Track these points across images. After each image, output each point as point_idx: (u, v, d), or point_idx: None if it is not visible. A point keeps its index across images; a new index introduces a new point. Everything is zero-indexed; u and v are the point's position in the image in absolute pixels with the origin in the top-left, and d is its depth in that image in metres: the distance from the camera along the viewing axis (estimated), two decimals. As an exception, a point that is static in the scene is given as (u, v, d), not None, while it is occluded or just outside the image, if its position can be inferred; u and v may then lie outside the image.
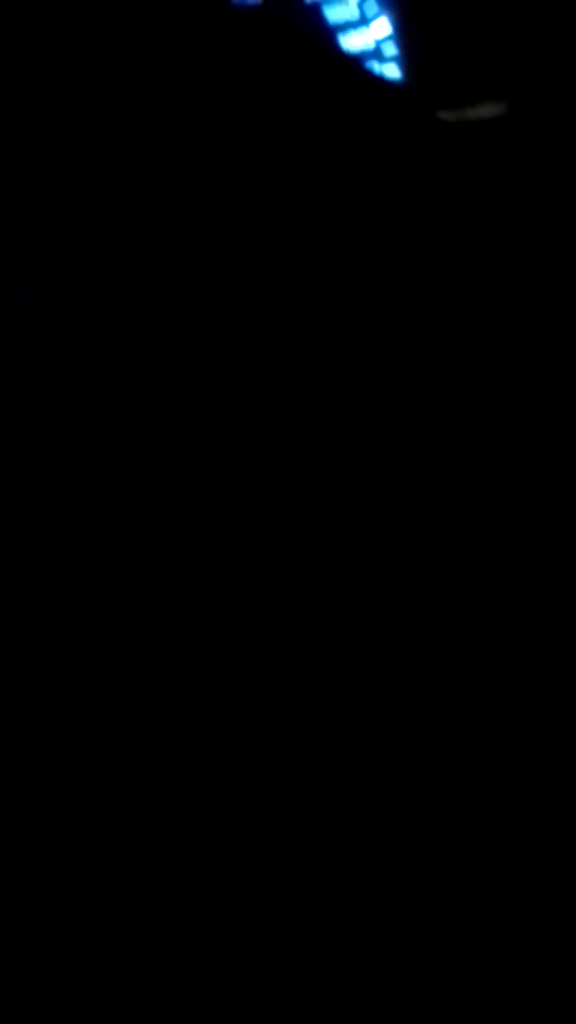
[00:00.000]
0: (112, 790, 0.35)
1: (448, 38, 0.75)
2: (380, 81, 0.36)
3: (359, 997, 0.34)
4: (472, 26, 0.75)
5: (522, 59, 0.71)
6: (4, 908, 0.36)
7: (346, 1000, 0.35)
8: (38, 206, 0.39)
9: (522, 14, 0.72)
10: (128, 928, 0.35)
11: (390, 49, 0.79)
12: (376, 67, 0.79)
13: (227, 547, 0.35)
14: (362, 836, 0.35)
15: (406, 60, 0.78)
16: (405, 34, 0.78)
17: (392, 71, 0.79)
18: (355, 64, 0.37)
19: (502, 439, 0.35)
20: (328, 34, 0.33)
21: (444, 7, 0.75)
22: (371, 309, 0.35)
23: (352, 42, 0.78)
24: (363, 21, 0.78)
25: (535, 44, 0.71)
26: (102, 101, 0.38)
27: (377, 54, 0.79)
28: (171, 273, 0.36)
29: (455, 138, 0.36)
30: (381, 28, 0.78)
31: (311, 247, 0.36)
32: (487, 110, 0.70)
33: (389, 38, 0.78)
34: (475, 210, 0.36)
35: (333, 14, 0.78)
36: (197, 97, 0.37)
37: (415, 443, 0.35)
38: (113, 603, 0.36)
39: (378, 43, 0.78)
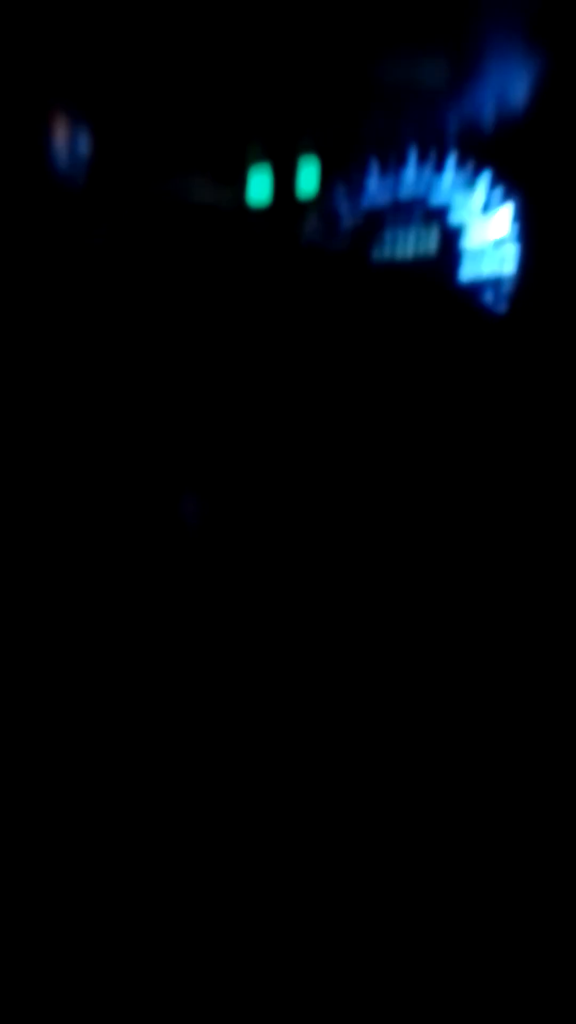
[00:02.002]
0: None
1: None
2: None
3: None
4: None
5: None
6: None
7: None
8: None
9: None
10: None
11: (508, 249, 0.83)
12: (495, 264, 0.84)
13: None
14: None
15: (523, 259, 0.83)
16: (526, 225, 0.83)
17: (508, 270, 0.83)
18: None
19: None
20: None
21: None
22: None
23: (470, 243, 0.84)
24: (483, 228, 0.83)
25: None
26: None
27: (494, 255, 0.84)
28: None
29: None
30: (499, 228, 0.83)
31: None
32: None
33: (506, 240, 0.83)
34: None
35: (455, 216, 0.84)
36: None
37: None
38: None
39: (496, 243, 0.83)
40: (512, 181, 0.80)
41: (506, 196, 0.81)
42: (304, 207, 0.83)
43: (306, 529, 0.36)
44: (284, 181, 0.81)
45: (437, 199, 0.82)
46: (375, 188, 0.83)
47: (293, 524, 0.36)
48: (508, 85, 0.68)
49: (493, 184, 0.81)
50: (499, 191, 0.81)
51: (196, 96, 0.68)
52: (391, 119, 0.77)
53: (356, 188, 0.83)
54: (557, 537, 0.35)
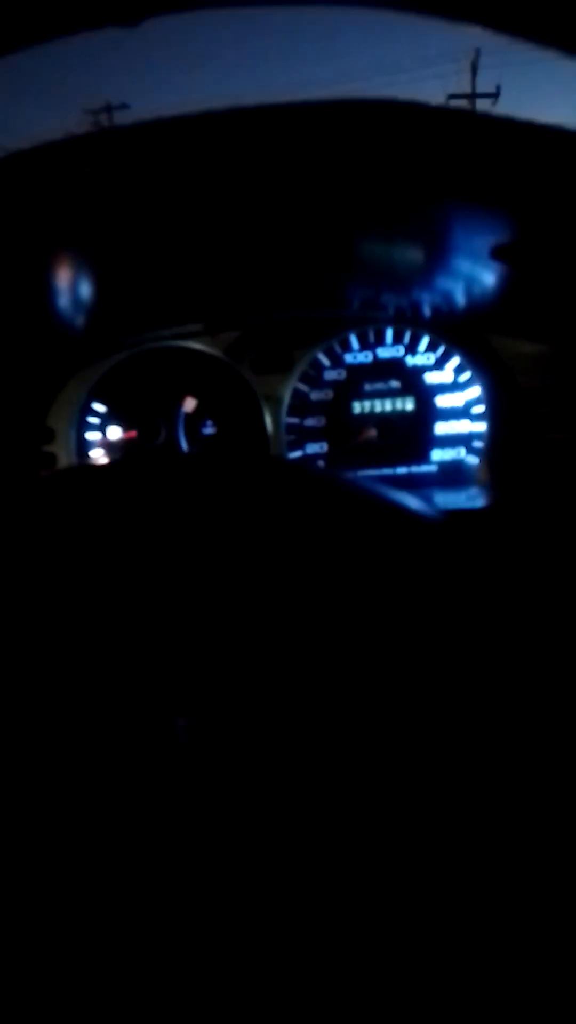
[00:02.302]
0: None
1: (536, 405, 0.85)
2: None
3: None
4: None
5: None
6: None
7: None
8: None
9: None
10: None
11: (479, 408, 0.88)
12: (467, 424, 0.88)
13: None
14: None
15: (493, 419, 0.87)
16: (494, 399, 0.88)
17: (481, 427, 0.88)
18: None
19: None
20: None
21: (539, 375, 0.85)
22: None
23: (444, 401, 0.89)
24: (456, 386, 0.88)
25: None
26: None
27: (466, 412, 0.88)
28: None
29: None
30: (472, 392, 0.88)
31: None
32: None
33: (479, 400, 0.88)
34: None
35: (431, 377, 0.89)
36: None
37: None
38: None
39: (468, 403, 0.88)
40: (480, 365, 0.85)
41: (474, 377, 0.86)
42: (292, 356, 0.88)
43: (298, 750, 0.36)
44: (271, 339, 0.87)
45: (414, 362, 0.87)
46: (356, 350, 0.88)
47: (284, 744, 0.37)
48: (477, 277, 0.73)
49: (462, 367, 0.86)
50: (468, 371, 0.86)
51: (192, 262, 0.73)
52: (370, 298, 0.82)
53: (338, 349, 0.88)
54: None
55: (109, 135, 0.45)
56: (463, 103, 14.54)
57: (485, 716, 0.36)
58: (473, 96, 14.94)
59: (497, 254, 0.61)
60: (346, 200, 0.61)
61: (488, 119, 0.46)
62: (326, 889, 0.35)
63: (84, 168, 0.48)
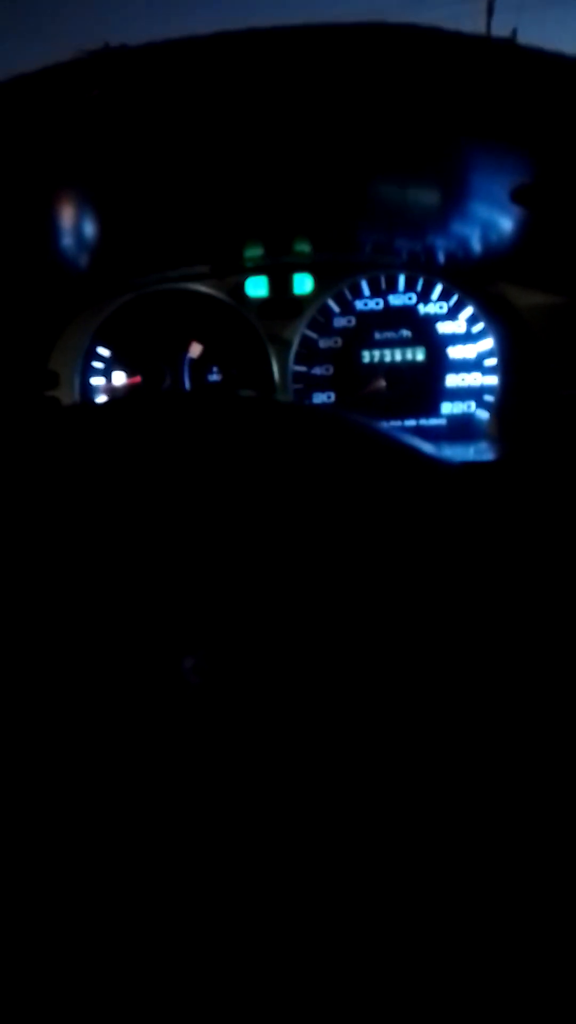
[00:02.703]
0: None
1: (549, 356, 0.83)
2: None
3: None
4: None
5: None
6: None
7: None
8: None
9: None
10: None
11: (491, 361, 0.86)
12: (478, 377, 0.86)
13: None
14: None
15: (506, 373, 0.86)
16: (507, 352, 0.86)
17: (492, 380, 0.86)
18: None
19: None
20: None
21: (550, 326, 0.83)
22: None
23: (456, 352, 0.87)
24: (468, 336, 0.86)
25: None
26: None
27: (478, 364, 0.87)
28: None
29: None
30: (485, 343, 0.86)
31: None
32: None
33: (491, 352, 0.86)
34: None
35: (443, 327, 0.87)
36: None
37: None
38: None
39: (480, 355, 0.86)
40: (493, 316, 0.83)
41: (487, 329, 0.84)
42: (300, 301, 0.86)
43: (308, 693, 0.36)
44: (280, 282, 0.85)
45: (426, 311, 0.85)
46: (367, 296, 0.86)
47: (295, 686, 0.36)
48: (494, 222, 0.70)
49: (475, 318, 0.84)
50: (481, 322, 0.84)
51: (199, 200, 0.71)
52: (382, 242, 0.80)
53: (348, 295, 0.86)
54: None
55: (118, 55, 0.43)
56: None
57: (496, 667, 0.35)
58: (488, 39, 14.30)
59: (517, 197, 0.59)
60: (361, 133, 0.59)
61: (517, 49, 0.43)
62: (332, 858, 0.35)
63: (91, 90, 0.45)
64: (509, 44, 0.45)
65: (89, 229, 0.72)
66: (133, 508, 0.38)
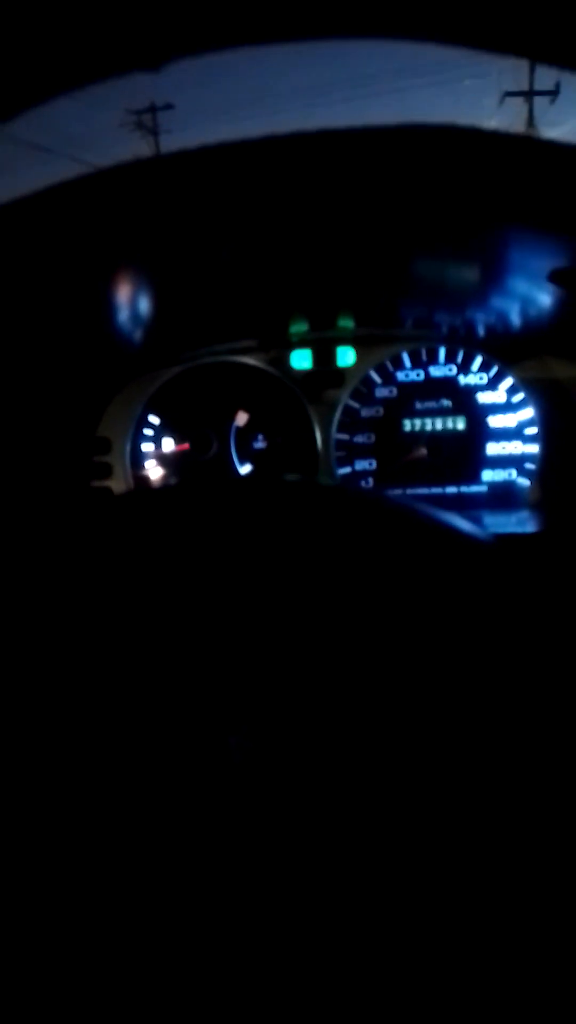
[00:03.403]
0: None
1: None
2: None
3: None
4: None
5: None
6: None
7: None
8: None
9: None
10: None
11: (532, 429, 0.87)
12: (519, 445, 0.88)
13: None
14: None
15: (546, 441, 0.87)
16: (547, 421, 0.87)
17: (533, 448, 0.87)
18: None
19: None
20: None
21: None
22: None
23: (497, 421, 0.88)
24: (509, 406, 0.88)
25: None
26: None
27: (518, 433, 0.88)
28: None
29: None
30: (526, 412, 0.87)
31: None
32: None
33: (532, 421, 0.87)
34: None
35: (483, 397, 0.89)
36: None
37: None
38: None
39: (521, 424, 0.88)
40: (532, 385, 0.85)
41: (527, 399, 0.86)
42: (342, 373, 0.89)
43: (348, 770, 0.36)
44: (324, 355, 0.88)
45: (466, 381, 0.87)
46: (408, 368, 0.88)
47: (338, 763, 0.37)
48: (532, 299, 0.73)
49: (515, 388, 0.86)
50: (521, 392, 0.86)
51: (247, 279, 0.74)
52: (423, 317, 0.82)
53: (390, 367, 0.88)
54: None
55: (176, 158, 0.46)
56: (519, 101, 14.01)
57: (530, 739, 0.36)
58: (530, 94, 13.76)
59: (555, 278, 0.61)
60: (403, 222, 0.62)
61: (541, 144, 0.46)
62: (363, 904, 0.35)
63: (151, 192, 0.49)
64: (541, 141, 0.48)
65: (144, 307, 0.76)
66: (183, 589, 0.40)
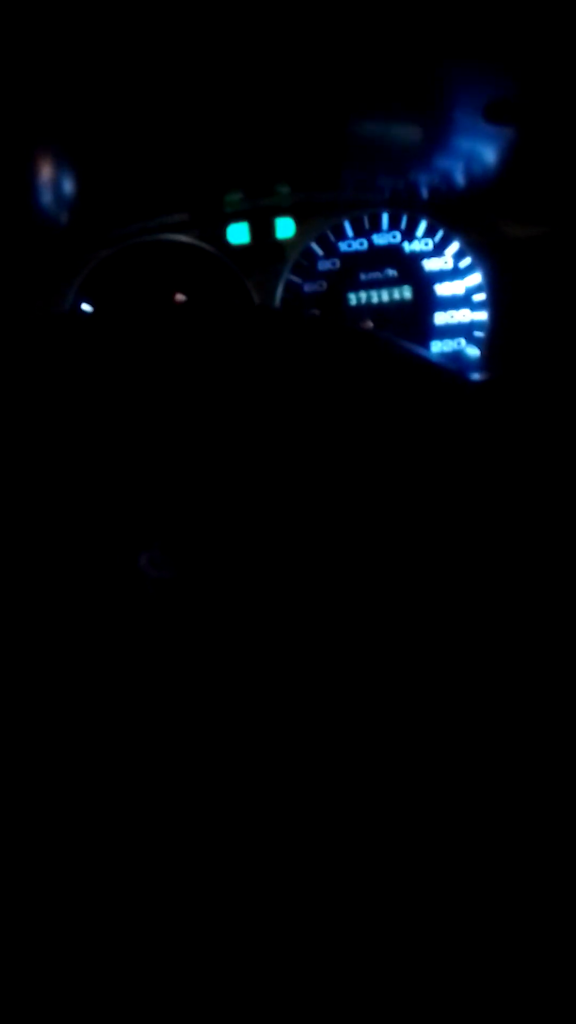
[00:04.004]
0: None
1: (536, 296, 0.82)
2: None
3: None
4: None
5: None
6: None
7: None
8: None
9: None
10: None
11: (479, 296, 0.85)
12: (467, 313, 0.86)
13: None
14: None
15: (495, 307, 0.85)
16: (496, 287, 0.85)
17: (481, 315, 0.85)
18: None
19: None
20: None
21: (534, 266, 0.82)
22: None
23: (444, 289, 0.86)
24: (456, 272, 0.86)
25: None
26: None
27: (466, 300, 0.86)
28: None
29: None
30: (473, 279, 0.85)
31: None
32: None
33: (480, 287, 0.85)
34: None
35: (429, 264, 0.86)
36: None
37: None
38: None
39: (468, 290, 0.86)
40: (480, 249, 0.82)
41: (474, 263, 0.83)
42: (282, 246, 0.85)
43: (270, 588, 0.35)
44: (262, 228, 0.84)
45: (411, 248, 0.84)
46: (350, 237, 0.85)
47: (257, 580, 0.35)
48: (474, 153, 0.69)
49: (461, 253, 0.83)
50: (467, 257, 0.83)
51: (177, 145, 0.70)
52: (365, 181, 0.78)
53: (331, 237, 0.85)
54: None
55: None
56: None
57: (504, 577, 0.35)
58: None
59: (489, 113, 0.58)
60: (334, 65, 0.58)
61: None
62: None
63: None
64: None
65: (67, 183, 0.71)
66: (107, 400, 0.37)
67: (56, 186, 0.72)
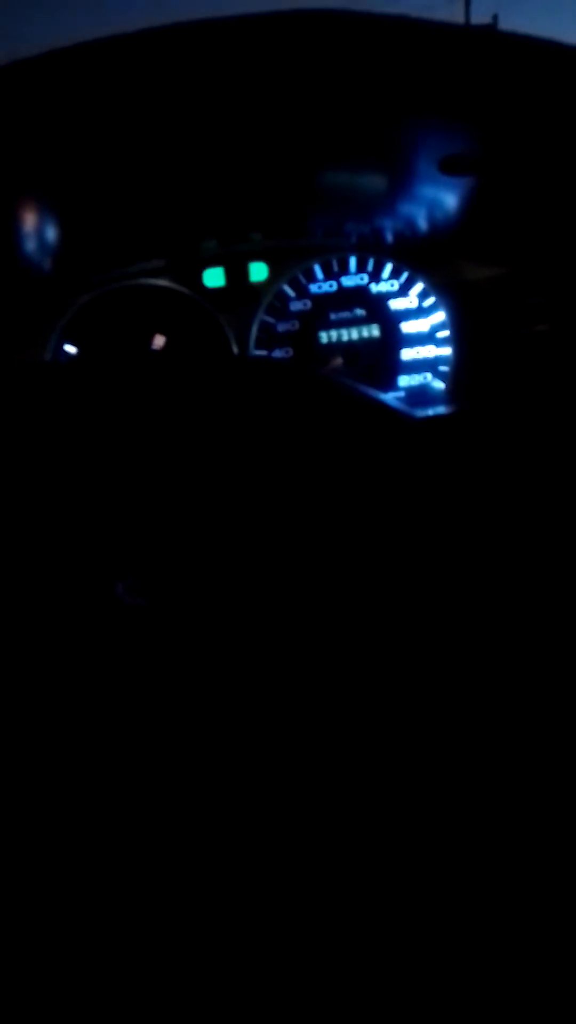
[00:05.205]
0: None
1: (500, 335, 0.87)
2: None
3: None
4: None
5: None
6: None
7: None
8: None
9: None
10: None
11: (444, 333, 0.90)
12: (432, 349, 0.90)
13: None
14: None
15: (458, 344, 0.89)
16: (459, 324, 0.89)
17: (446, 351, 0.90)
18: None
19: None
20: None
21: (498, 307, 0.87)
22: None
23: (409, 327, 0.90)
24: (421, 311, 0.90)
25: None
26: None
27: (431, 337, 0.90)
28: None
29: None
30: (437, 316, 0.90)
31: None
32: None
33: (443, 325, 0.89)
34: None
35: (395, 303, 0.91)
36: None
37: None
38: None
39: (433, 328, 0.90)
40: (443, 289, 0.87)
41: (438, 302, 0.88)
42: (256, 289, 0.89)
43: (246, 612, 0.36)
44: (236, 272, 0.88)
45: (378, 289, 0.89)
46: (320, 279, 0.89)
47: (234, 606, 0.36)
48: (435, 201, 0.74)
49: (425, 292, 0.88)
50: (431, 296, 0.88)
51: (156, 197, 0.73)
52: (332, 227, 0.83)
53: (303, 279, 0.89)
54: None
55: (56, 56, 0.46)
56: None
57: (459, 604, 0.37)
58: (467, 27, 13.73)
59: (445, 166, 0.63)
60: (300, 119, 0.62)
61: (425, 25, 0.47)
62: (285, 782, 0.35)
63: (33, 92, 0.48)
64: (424, 22, 0.49)
65: (51, 232, 0.75)
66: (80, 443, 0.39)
67: (40, 234, 0.75)
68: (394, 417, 0.41)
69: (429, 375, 0.91)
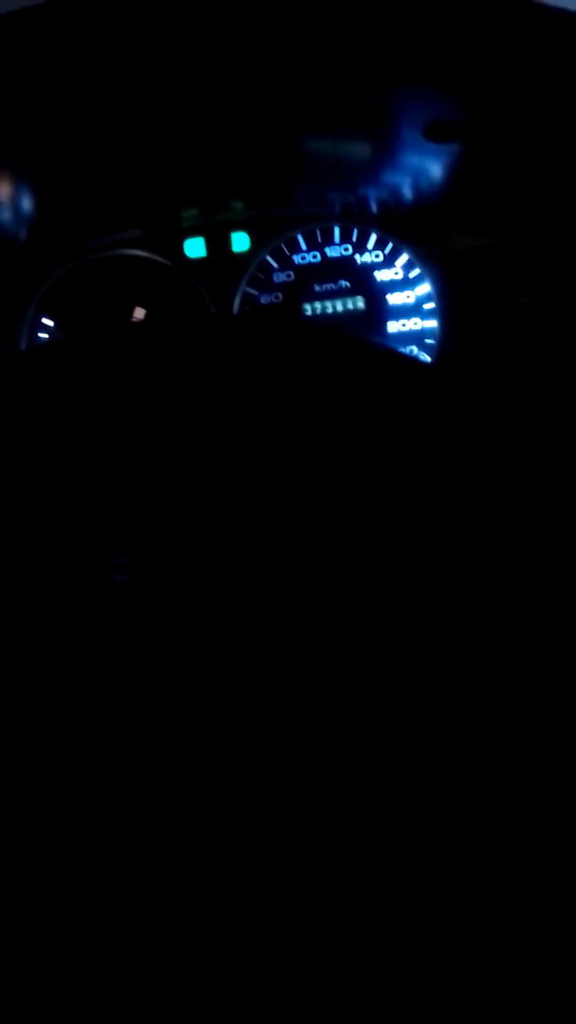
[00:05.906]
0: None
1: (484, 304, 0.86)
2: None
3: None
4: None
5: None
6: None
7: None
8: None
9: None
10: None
11: (429, 305, 0.89)
12: (418, 321, 0.89)
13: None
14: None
15: (444, 316, 0.88)
16: (445, 296, 0.88)
17: (432, 323, 0.88)
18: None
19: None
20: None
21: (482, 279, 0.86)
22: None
23: (395, 299, 0.89)
24: (406, 282, 0.89)
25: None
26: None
27: (417, 309, 0.89)
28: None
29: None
30: (423, 288, 0.88)
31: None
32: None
33: (429, 297, 0.88)
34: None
35: (380, 275, 0.89)
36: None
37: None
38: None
39: (419, 299, 0.89)
40: (428, 260, 0.85)
41: (423, 274, 0.86)
42: (238, 259, 0.87)
43: (238, 585, 0.35)
44: (218, 242, 0.86)
45: (363, 260, 0.87)
46: (303, 250, 0.87)
47: (225, 580, 0.35)
48: (420, 169, 0.72)
49: (410, 264, 0.86)
50: (417, 268, 0.86)
51: (133, 163, 0.71)
52: (316, 196, 0.81)
53: (285, 250, 0.87)
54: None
55: (24, 14, 0.43)
56: None
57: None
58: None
59: (428, 132, 0.61)
60: (281, 82, 0.60)
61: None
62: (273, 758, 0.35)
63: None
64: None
65: (26, 201, 0.73)
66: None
67: (15, 203, 0.73)
68: (403, 363, 0.40)
69: (415, 348, 0.90)
